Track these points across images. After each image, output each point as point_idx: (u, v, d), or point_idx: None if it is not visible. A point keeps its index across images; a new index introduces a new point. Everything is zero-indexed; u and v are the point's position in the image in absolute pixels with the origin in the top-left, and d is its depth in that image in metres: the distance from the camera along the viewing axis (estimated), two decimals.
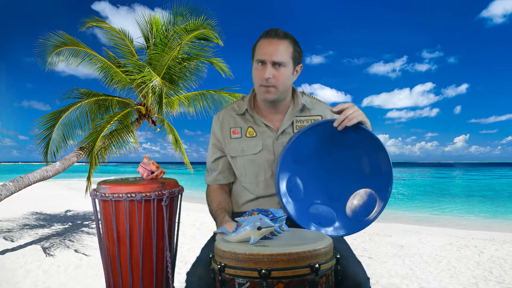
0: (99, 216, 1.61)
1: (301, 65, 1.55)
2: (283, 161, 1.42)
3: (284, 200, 1.42)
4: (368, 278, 1.25)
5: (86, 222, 7.18)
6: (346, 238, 1.47)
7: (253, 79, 1.53)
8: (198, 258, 1.29)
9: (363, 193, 1.46)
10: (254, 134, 1.57)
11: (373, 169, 1.44)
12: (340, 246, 1.31)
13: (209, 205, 1.61)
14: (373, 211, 1.43)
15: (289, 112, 1.58)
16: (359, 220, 1.44)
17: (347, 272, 1.20)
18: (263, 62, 1.46)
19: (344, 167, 1.48)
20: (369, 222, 1.43)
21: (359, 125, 1.38)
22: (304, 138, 1.42)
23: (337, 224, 1.45)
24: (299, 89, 1.65)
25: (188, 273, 1.25)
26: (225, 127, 1.61)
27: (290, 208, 1.41)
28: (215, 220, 1.52)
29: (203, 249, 1.36)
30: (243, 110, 1.59)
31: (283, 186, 1.43)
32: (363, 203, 1.45)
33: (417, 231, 7.21)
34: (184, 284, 1.26)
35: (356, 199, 1.47)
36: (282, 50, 1.45)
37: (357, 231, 1.44)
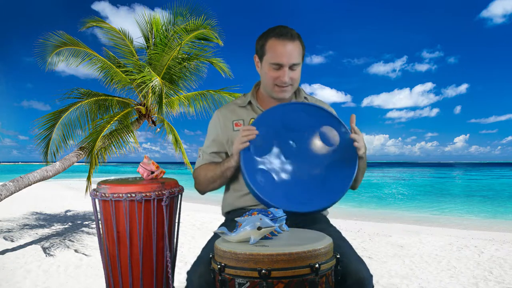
0: (99, 216, 1.61)
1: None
2: (245, 158, 1.43)
3: (258, 192, 1.40)
4: (371, 275, 1.25)
5: (86, 222, 7.18)
6: (346, 237, 1.47)
7: (264, 77, 1.54)
8: (198, 257, 1.29)
9: (334, 162, 1.48)
10: None
11: (335, 137, 1.49)
12: (342, 245, 1.31)
13: (203, 178, 1.60)
14: (351, 172, 1.46)
15: None
16: (340, 185, 1.45)
17: (350, 269, 1.20)
18: (280, 66, 1.46)
19: (307, 148, 1.50)
20: (348, 182, 1.45)
21: (307, 104, 1.54)
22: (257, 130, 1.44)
23: (321, 196, 1.44)
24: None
25: (188, 272, 1.25)
26: (227, 120, 1.61)
27: (269, 199, 1.40)
28: (221, 169, 1.52)
29: (203, 248, 1.36)
30: (246, 102, 1.62)
31: (253, 180, 1.41)
32: (338, 170, 1.47)
33: (417, 231, 7.21)
34: (185, 283, 1.26)
35: (329, 170, 1.48)
36: (297, 52, 1.48)
37: (343, 195, 1.45)
